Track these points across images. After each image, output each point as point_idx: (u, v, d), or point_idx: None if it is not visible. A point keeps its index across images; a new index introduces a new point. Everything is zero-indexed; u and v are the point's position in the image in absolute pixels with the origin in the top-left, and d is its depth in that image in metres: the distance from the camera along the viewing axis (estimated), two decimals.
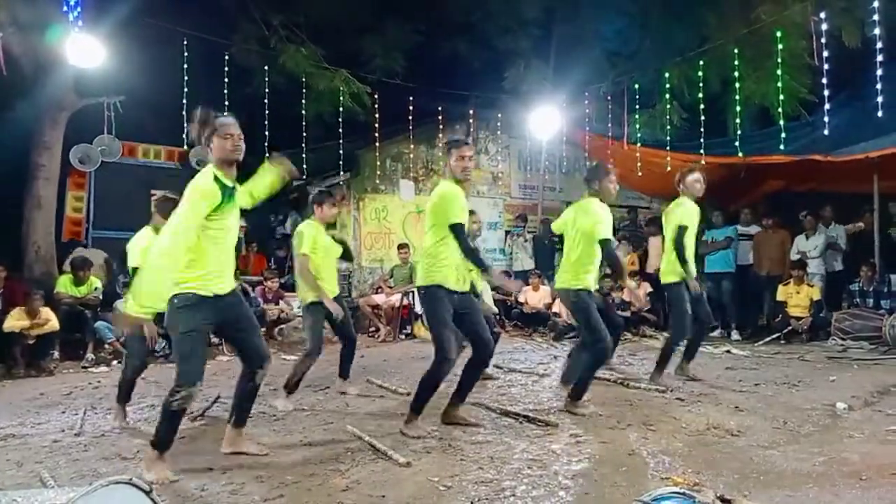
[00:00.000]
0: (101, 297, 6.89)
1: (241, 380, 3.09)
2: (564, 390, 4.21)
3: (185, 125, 7.26)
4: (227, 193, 2.83)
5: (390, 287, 8.56)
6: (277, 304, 7.88)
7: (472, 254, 3.40)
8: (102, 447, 3.38)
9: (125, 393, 3.99)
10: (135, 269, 3.60)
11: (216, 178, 2.81)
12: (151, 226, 3.91)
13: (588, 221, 4.01)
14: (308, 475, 2.79)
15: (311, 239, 4.35)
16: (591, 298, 4.02)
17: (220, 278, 2.86)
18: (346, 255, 4.78)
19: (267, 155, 8.08)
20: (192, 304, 2.79)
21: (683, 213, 4.71)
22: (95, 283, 6.99)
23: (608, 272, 5.93)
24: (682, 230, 4.66)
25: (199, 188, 2.77)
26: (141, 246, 3.80)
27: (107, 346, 6.66)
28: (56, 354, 6.39)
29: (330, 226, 4.73)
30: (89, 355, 6.48)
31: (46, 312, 6.19)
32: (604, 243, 3.95)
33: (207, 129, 2.86)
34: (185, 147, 8.20)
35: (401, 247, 8.66)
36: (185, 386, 2.74)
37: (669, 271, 4.74)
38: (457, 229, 3.34)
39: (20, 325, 6.00)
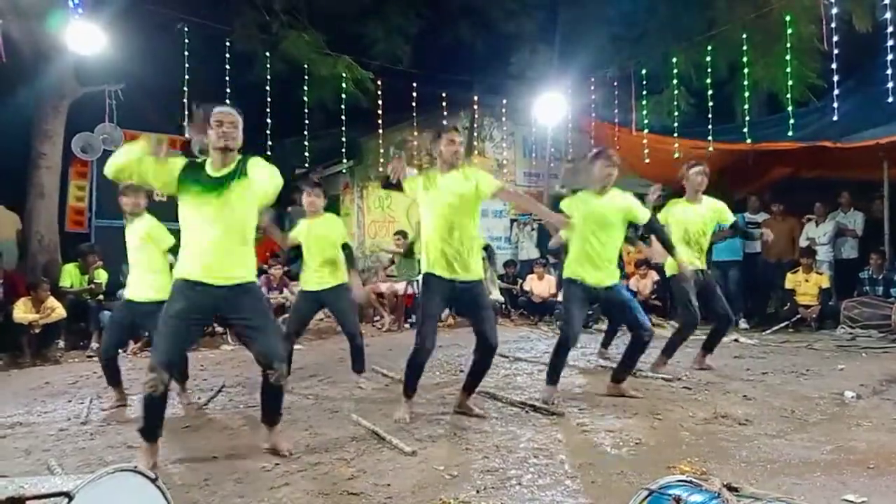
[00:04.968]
0: (103, 287, 6.89)
1: (262, 380, 2.97)
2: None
3: (187, 114, 7.20)
4: (199, 176, 2.82)
5: (389, 276, 8.57)
6: (282, 292, 7.88)
7: None
8: (108, 436, 3.38)
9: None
10: None
11: (191, 163, 2.88)
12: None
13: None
14: (313, 464, 2.78)
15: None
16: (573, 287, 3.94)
17: (203, 266, 2.78)
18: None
19: (269, 143, 8.00)
20: (175, 289, 2.81)
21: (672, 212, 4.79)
22: (102, 276, 6.97)
23: None
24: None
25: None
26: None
27: None
28: (61, 344, 6.42)
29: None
30: (94, 345, 6.49)
31: (52, 301, 6.21)
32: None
33: (207, 123, 2.87)
34: (187, 135, 8.18)
35: (396, 234, 8.64)
36: (150, 370, 2.69)
37: (670, 263, 4.72)
38: None
39: (30, 317, 6.03)
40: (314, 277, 4.40)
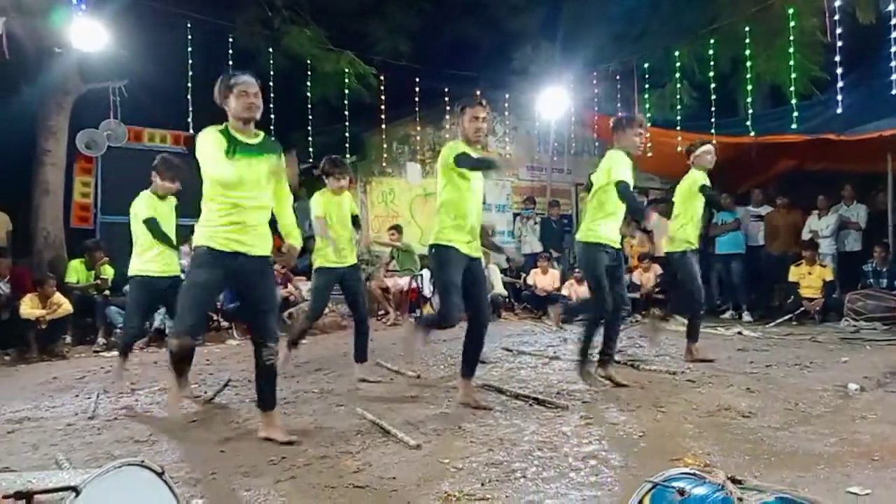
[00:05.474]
0: (109, 283, 6.92)
1: (255, 360, 3.09)
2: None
3: (190, 109, 7.21)
4: (237, 145, 2.89)
5: (390, 271, 8.59)
6: (286, 286, 7.90)
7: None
8: (116, 430, 3.41)
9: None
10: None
11: (223, 130, 2.90)
12: (152, 191, 4.13)
13: (602, 167, 4.02)
14: (319, 457, 2.80)
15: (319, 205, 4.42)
16: (598, 252, 4.00)
17: (233, 228, 2.86)
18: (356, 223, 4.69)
19: (272, 139, 8.05)
20: (201, 259, 2.87)
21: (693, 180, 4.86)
22: (108, 271, 7.00)
23: None
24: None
25: (202, 136, 2.88)
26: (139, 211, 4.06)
27: (117, 331, 6.72)
28: (68, 339, 6.46)
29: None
30: (101, 340, 6.54)
31: (58, 297, 6.25)
32: (617, 185, 3.84)
33: (227, 90, 2.91)
34: (191, 131, 8.19)
35: (391, 228, 8.66)
36: (176, 337, 2.90)
37: (674, 241, 4.75)
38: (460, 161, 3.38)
39: (37, 313, 6.07)
40: (335, 254, 4.37)
